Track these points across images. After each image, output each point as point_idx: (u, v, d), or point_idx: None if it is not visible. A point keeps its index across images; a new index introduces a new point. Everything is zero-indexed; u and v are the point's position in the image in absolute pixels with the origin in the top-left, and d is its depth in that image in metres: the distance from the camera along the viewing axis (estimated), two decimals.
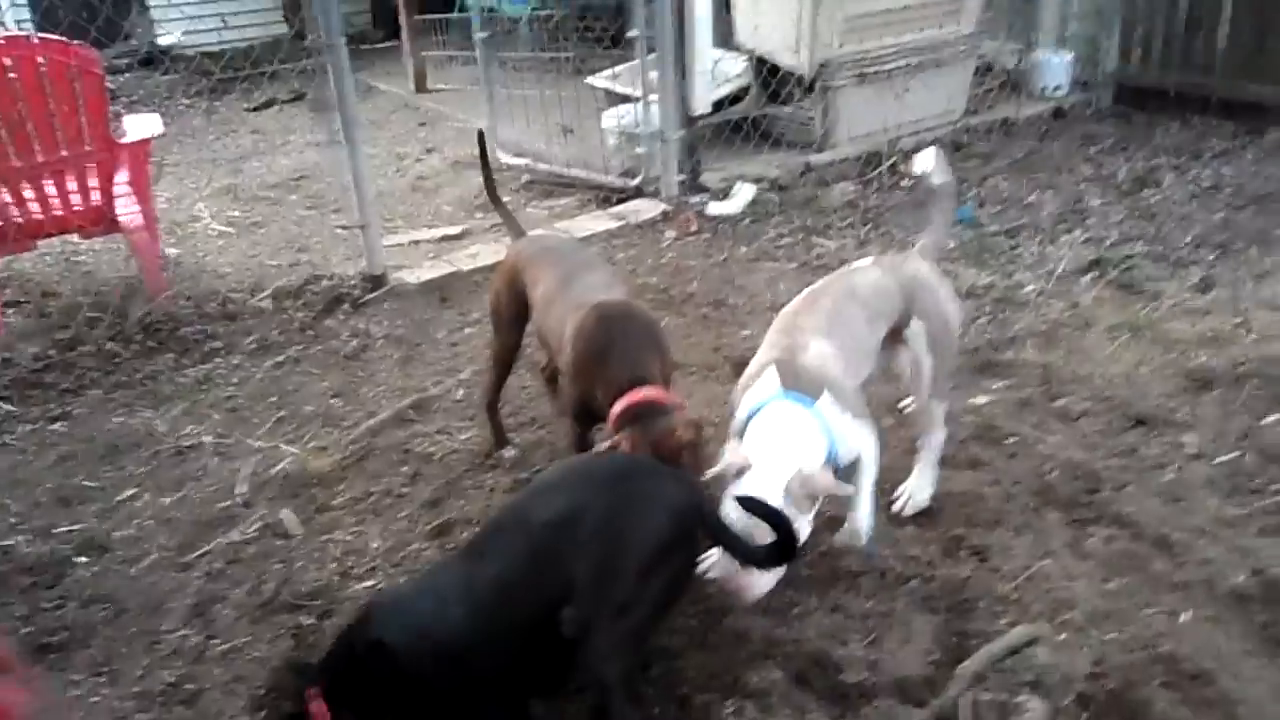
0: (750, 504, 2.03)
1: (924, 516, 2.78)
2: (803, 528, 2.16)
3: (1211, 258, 4.30)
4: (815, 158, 5.59)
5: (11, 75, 3.74)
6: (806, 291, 2.61)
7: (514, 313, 2.97)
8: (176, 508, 3.02)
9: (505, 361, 3.10)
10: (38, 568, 2.75)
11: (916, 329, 2.59)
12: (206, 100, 8.72)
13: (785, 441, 2.22)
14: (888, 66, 5.58)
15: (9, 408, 3.61)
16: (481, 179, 3.40)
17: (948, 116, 5.98)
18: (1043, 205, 5.02)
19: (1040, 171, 5.48)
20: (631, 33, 4.90)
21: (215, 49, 9.98)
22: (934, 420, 2.74)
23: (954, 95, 5.97)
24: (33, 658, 2.42)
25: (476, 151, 3.42)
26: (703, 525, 2.01)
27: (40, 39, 3.86)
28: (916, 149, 5.61)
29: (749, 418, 2.32)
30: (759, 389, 2.36)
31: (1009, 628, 2.36)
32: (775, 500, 2.09)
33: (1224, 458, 2.97)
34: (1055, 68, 6.52)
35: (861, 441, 2.41)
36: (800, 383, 2.32)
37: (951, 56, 5.82)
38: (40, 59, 3.76)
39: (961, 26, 5.83)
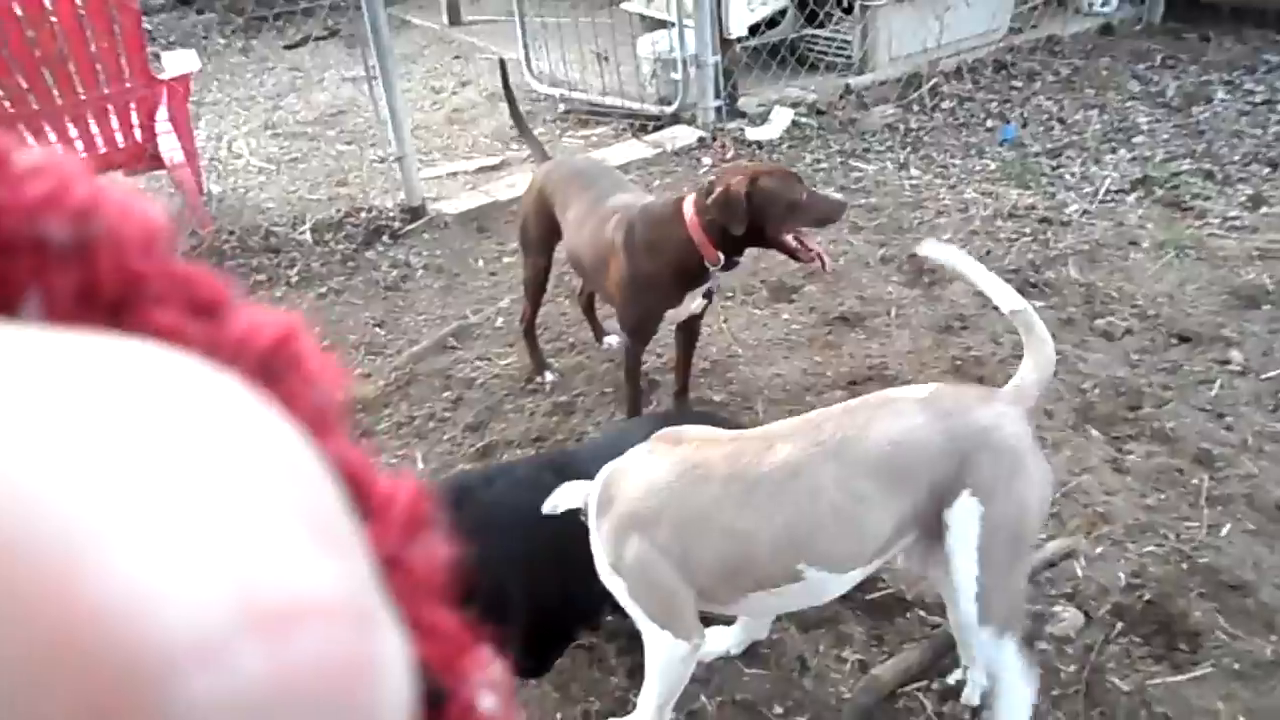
0: None
1: None
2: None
3: (1263, 174, 4.19)
4: (854, 80, 5.49)
5: (51, 15, 3.77)
6: (799, 421, 1.78)
7: (542, 235, 3.01)
8: None
9: (538, 284, 3.14)
10: None
11: (965, 511, 1.68)
12: (243, 38, 8.72)
13: None
14: None
15: None
16: (494, 121, 3.42)
17: (991, 35, 5.82)
18: (1088, 124, 4.91)
19: (1086, 90, 5.34)
20: None
21: None
22: (994, 664, 1.78)
23: (997, 13, 5.81)
24: None
25: (513, 81, 3.44)
26: None
27: None
28: (958, 70, 5.57)
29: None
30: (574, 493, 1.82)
31: (1046, 542, 2.38)
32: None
33: (1271, 374, 2.94)
34: None
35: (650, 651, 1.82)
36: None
37: None
38: None
39: None
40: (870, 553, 1.73)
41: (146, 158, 4.30)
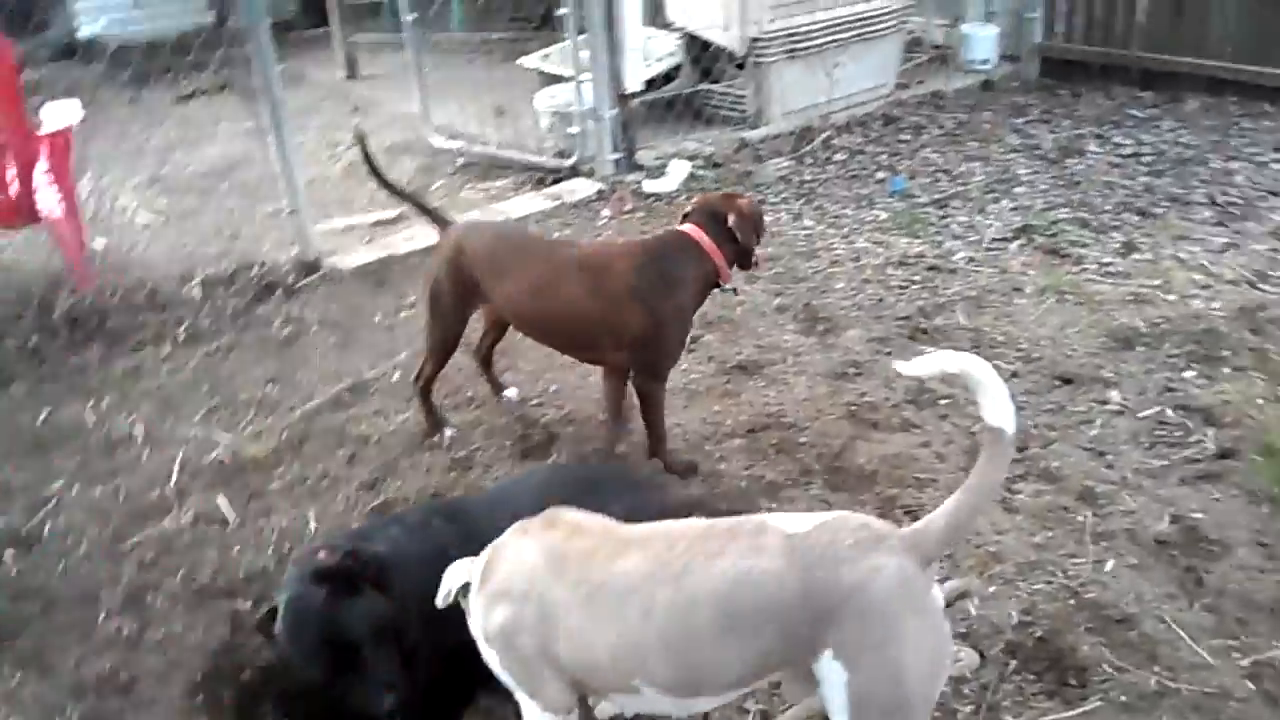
0: None
1: (859, 479, 2.84)
2: None
3: (1133, 221, 4.42)
4: (749, 134, 5.63)
5: None
6: (661, 530, 1.66)
7: (458, 300, 2.95)
8: (108, 499, 2.97)
9: (447, 350, 3.07)
10: None
11: (830, 674, 1.50)
12: (132, 90, 8.49)
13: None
14: (818, 41, 5.63)
15: None
16: (393, 173, 3.32)
17: (879, 90, 6.05)
18: (972, 175, 5.11)
19: (970, 143, 5.57)
20: (561, 11, 4.88)
21: (141, 39, 9.74)
22: None
23: (884, 69, 6.05)
24: None
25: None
26: None
27: None
28: (848, 124, 5.75)
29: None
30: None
31: (942, 582, 2.41)
32: None
33: (1146, 412, 3.06)
34: (983, 41, 6.63)
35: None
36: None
37: (880, 31, 5.88)
38: None
39: (889, 1, 5.89)
40: (715, 684, 1.59)
41: (25, 213, 4.14)
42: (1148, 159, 5.14)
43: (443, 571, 1.84)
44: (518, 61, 5.94)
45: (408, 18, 5.68)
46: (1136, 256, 4.08)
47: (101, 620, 2.48)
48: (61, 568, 2.68)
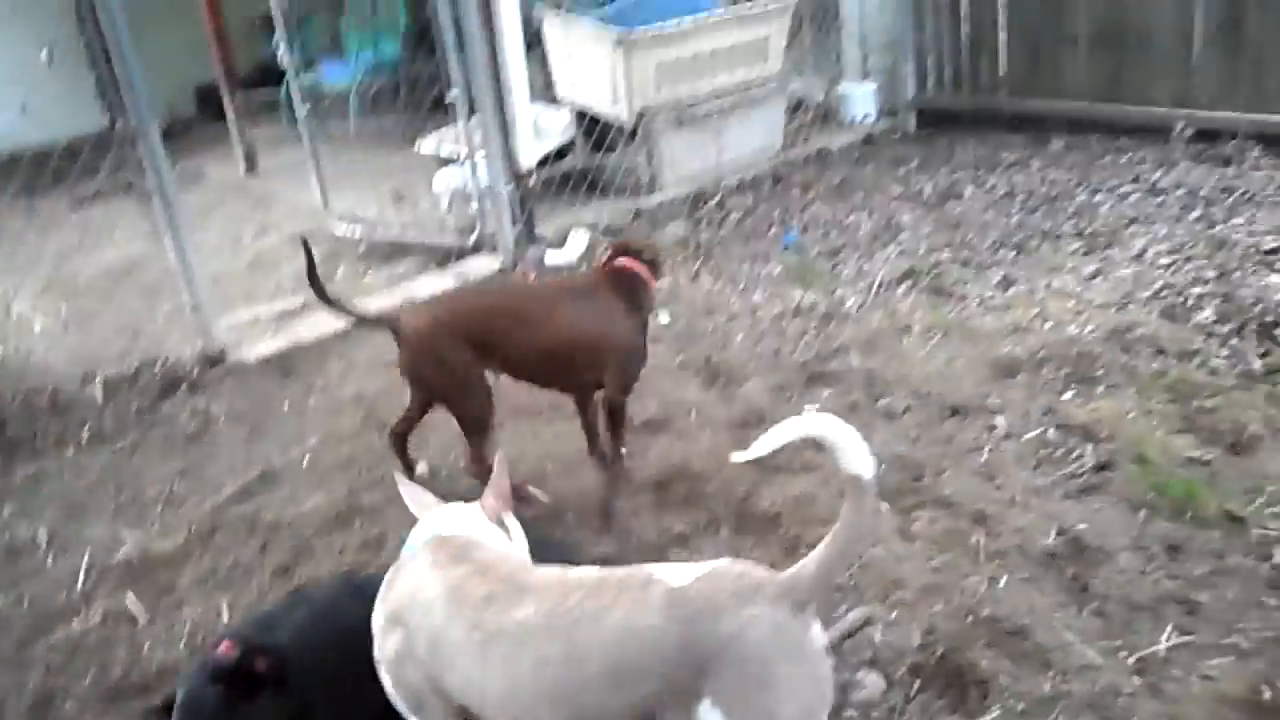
0: None
1: (764, 521, 2.93)
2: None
3: (1010, 257, 4.67)
4: (644, 201, 5.80)
5: None
6: (556, 578, 1.73)
7: (475, 365, 3.00)
8: (11, 608, 2.91)
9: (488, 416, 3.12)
10: None
11: (711, 717, 1.55)
12: (25, 199, 8.39)
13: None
14: (703, 109, 5.86)
15: None
16: (295, 263, 3.36)
17: (766, 151, 6.30)
18: (860, 225, 5.34)
19: (856, 195, 5.83)
20: (451, 94, 5.01)
21: (29, 148, 9.63)
22: None
23: (770, 131, 6.30)
24: None
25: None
26: None
27: None
28: (740, 185, 5.97)
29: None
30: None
31: (846, 613, 2.51)
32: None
33: (1030, 434, 3.23)
34: (861, 98, 6.96)
35: None
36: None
37: (763, 95, 6.15)
38: None
39: (770, 65, 6.17)
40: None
41: None
42: (1020, 197, 5.43)
43: (351, 653, 1.90)
44: (414, 147, 6.06)
45: (300, 111, 5.77)
46: (1014, 290, 4.31)
47: None
48: None
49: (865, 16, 7.13)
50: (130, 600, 2.87)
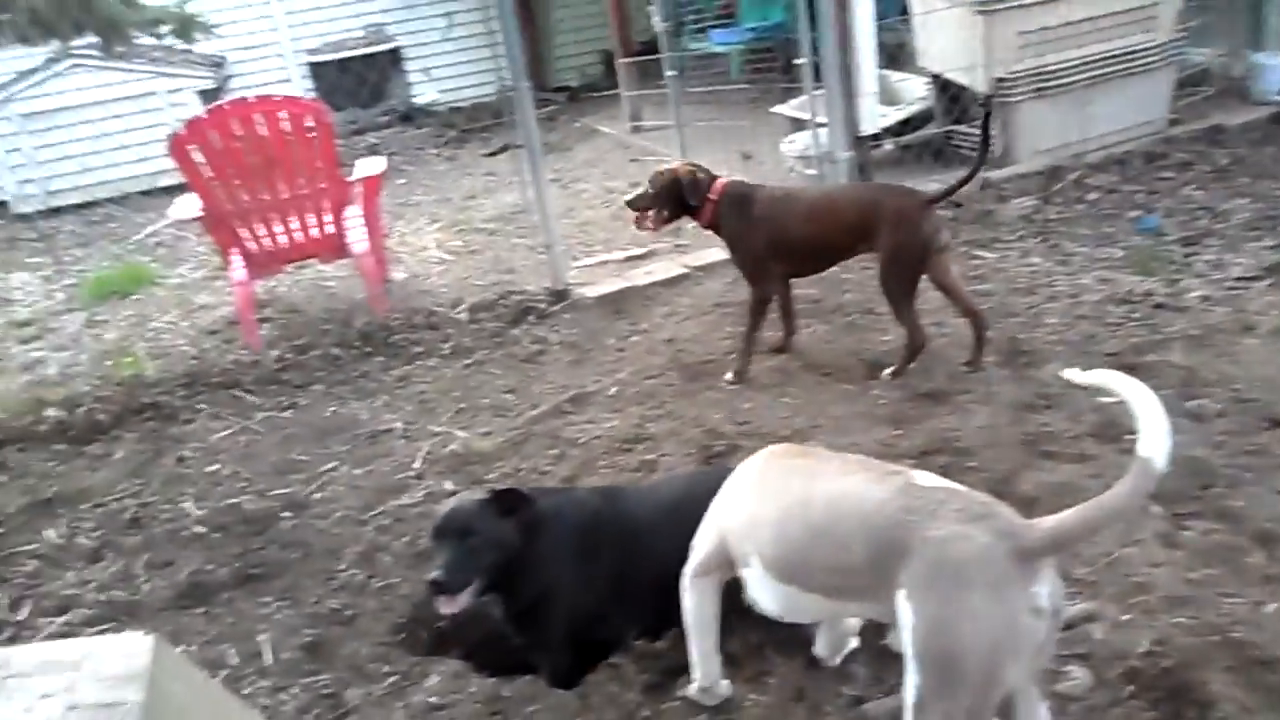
0: None
1: (1018, 504, 2.86)
2: None
3: None
4: (994, 174, 5.59)
5: (260, 129, 4.55)
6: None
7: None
8: (364, 478, 3.59)
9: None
10: (253, 520, 3.39)
11: (903, 614, 1.68)
12: (451, 149, 9.78)
13: None
14: (1066, 80, 5.52)
15: (254, 399, 4.38)
16: None
17: (1143, 128, 5.79)
18: (1235, 213, 4.80)
19: (1240, 179, 5.22)
20: (798, 60, 5.17)
21: (464, 104, 11.16)
22: None
23: (1149, 104, 5.78)
24: (239, 584, 3.03)
25: None
26: None
27: (283, 98, 4.68)
28: (1104, 162, 5.56)
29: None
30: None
31: (1069, 603, 2.43)
32: None
33: None
34: (1275, 70, 6.14)
35: None
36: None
37: (1143, 66, 5.65)
38: (282, 113, 4.55)
39: (1156, 35, 5.65)
40: (805, 581, 1.89)
41: (337, 248, 5.02)
42: None
43: (583, 538, 2.40)
44: (772, 110, 6.30)
45: (669, 74, 6.21)
46: None
47: (341, 569, 3.05)
48: (320, 528, 3.31)
49: None
50: (449, 486, 3.43)
